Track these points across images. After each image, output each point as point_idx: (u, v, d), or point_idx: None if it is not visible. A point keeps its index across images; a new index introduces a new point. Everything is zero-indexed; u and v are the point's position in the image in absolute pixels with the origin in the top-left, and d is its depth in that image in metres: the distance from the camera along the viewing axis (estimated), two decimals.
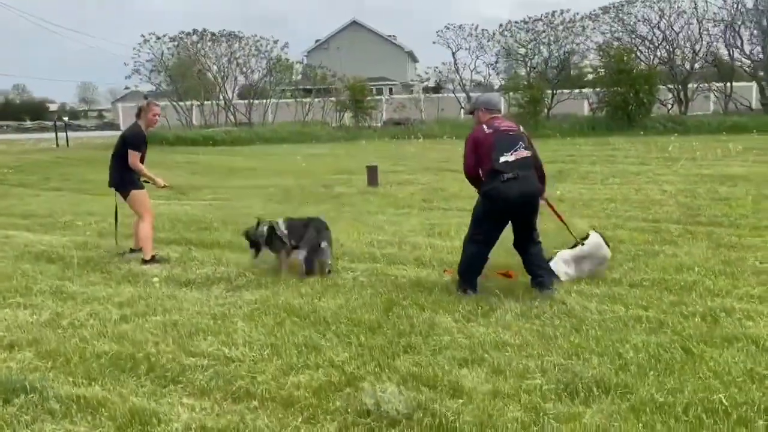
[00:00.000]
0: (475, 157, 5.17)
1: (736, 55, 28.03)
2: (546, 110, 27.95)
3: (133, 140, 6.71)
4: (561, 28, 29.48)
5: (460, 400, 3.37)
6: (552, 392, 3.45)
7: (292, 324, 4.62)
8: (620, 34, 29.35)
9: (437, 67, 31.70)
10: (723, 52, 28.54)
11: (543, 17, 29.51)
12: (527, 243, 5.30)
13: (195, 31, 29.45)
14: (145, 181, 6.89)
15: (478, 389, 3.49)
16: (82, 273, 6.29)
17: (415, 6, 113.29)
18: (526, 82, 28.37)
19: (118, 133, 7.79)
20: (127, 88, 34.13)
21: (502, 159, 5.02)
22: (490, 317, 4.64)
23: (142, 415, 3.36)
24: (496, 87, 32.34)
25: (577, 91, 29.83)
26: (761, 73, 27.94)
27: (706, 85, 28.58)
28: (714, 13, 27.87)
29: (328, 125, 29.65)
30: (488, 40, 30.82)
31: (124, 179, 6.74)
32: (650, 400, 3.30)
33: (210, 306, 5.14)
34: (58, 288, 5.75)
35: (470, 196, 10.15)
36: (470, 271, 5.27)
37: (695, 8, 27.91)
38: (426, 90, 36.55)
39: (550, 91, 28.48)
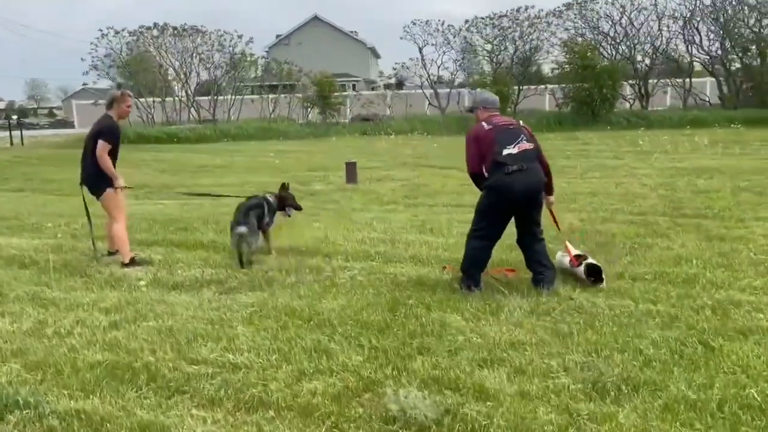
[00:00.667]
0: (478, 154, 5.08)
1: (695, 51, 28.74)
2: (513, 106, 28.17)
3: (106, 131, 6.34)
4: (526, 24, 29.73)
5: (489, 403, 3.24)
6: (580, 392, 3.35)
7: (296, 327, 4.42)
8: (583, 30, 29.77)
9: (404, 63, 31.59)
10: (682, 48, 29.26)
11: (508, 13, 29.72)
12: (531, 239, 5.21)
13: (156, 25, 28.68)
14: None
15: (504, 391, 3.36)
16: (60, 278, 5.94)
17: (374, 2, 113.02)
18: (491, 78, 28.55)
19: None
20: (85, 84, 33.14)
21: (505, 152, 4.95)
22: (500, 315, 4.53)
23: (151, 430, 3.14)
24: (456, 83, 32.48)
25: (542, 86, 30.19)
26: (718, 68, 28.66)
27: (666, 80, 29.24)
28: (673, 9, 28.53)
29: (294, 122, 29.29)
30: (454, 36, 30.88)
31: (98, 176, 6.39)
32: (682, 397, 3.22)
33: (204, 310, 4.89)
34: (37, 294, 5.42)
35: (454, 191, 10.15)
36: (474, 267, 5.15)
37: (655, 5, 28.51)
38: (388, 87, 36.39)
39: (516, 87, 28.72)
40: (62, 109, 69.60)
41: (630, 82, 28.78)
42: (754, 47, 27.20)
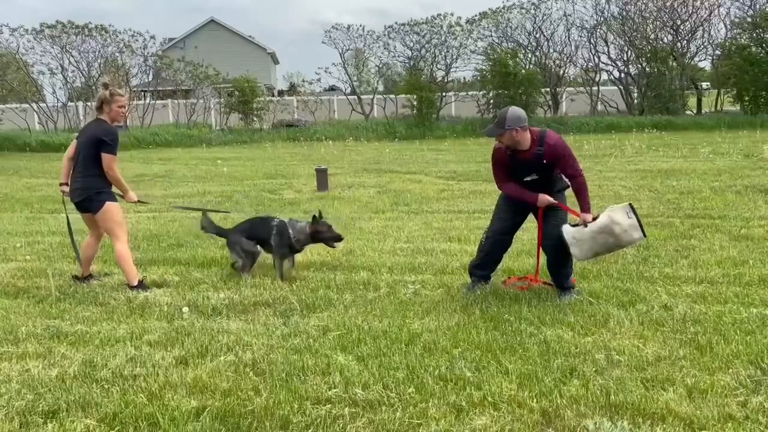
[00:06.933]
0: None
1: (603, 59, 30.28)
2: (437, 112, 28.35)
3: (110, 141, 5.49)
4: (445, 30, 30.05)
5: None
6: None
7: (404, 353, 3.92)
8: (499, 39, 30.55)
9: (327, 68, 31.02)
10: (589, 56, 30.71)
11: (429, 20, 29.93)
12: None
13: (59, 22, 26.28)
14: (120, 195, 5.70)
15: (703, 415, 3.07)
16: (68, 307, 5.06)
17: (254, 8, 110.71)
18: (414, 84, 28.54)
19: None
20: None
21: None
22: (609, 328, 4.25)
23: None
24: (380, 89, 32.40)
25: (463, 93, 30.66)
26: (624, 76, 30.35)
27: (578, 88, 30.60)
28: (583, 20, 29.94)
29: (209, 128, 27.86)
30: (375, 41, 30.72)
31: (95, 189, 5.52)
32: None
33: (278, 338, 4.27)
34: (53, 329, 4.55)
35: (440, 198, 9.85)
36: None
37: (565, 15, 29.81)
38: (281, 93, 35.44)
39: (438, 93, 28.93)
40: None
41: (544, 90, 29.80)
42: (650, 56, 29.01)
